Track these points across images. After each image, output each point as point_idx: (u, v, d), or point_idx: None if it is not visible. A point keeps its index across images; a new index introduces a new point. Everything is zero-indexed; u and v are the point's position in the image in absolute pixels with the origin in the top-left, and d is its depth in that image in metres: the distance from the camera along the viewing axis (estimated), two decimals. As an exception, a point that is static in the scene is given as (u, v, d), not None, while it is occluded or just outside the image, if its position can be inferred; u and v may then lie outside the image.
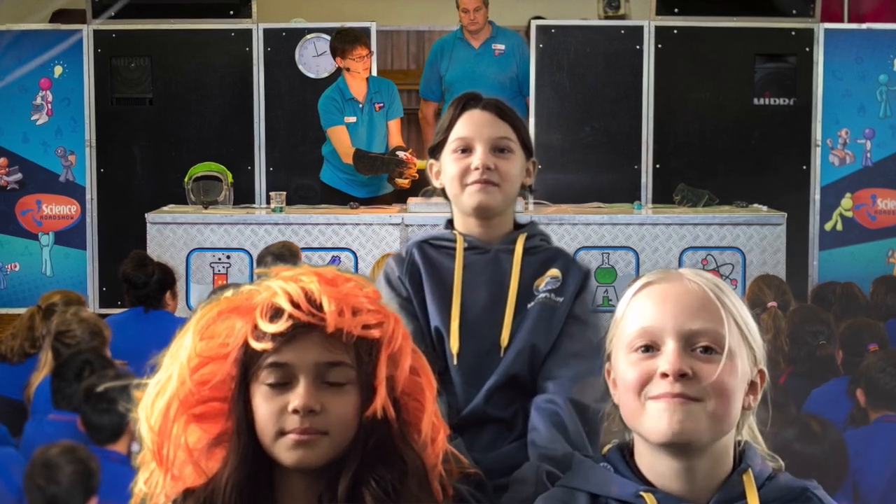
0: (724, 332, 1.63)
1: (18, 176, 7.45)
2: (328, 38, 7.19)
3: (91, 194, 7.46)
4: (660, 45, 7.35)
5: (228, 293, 1.67)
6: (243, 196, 7.18)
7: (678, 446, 1.62)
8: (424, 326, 2.39)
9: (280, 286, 1.63)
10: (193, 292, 6.38)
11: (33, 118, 7.44)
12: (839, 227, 7.37)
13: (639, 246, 6.43)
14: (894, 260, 7.34)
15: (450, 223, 2.50)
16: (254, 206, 7.13)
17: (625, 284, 2.22)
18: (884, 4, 7.94)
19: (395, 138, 6.91)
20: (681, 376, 1.60)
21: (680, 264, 6.32)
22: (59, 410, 3.91)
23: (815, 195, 7.36)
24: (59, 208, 7.47)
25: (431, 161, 2.50)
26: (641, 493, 1.64)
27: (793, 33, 7.34)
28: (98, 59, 7.40)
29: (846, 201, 7.37)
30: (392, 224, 6.42)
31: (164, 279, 5.09)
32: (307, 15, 7.91)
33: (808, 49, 7.33)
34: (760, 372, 1.69)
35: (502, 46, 7.42)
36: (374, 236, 6.41)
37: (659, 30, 7.36)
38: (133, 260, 5.15)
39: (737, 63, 7.35)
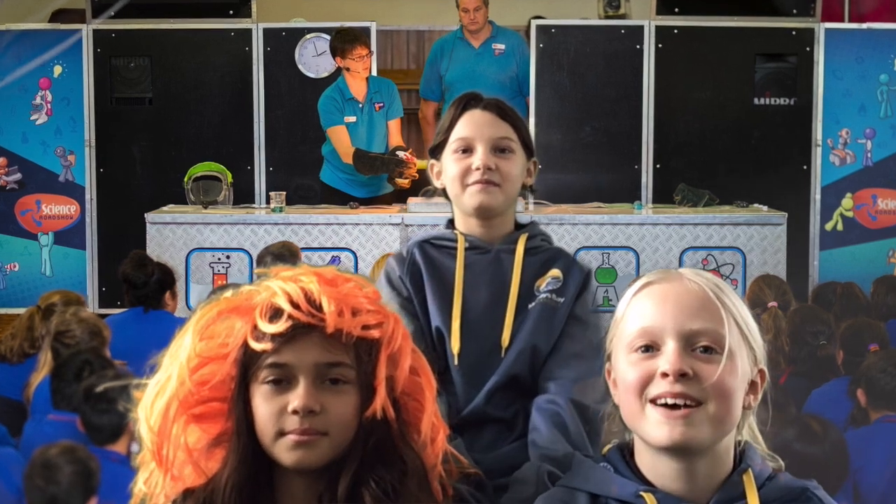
0: (724, 332, 1.63)
1: (18, 176, 7.45)
2: (328, 37, 7.18)
3: (90, 194, 7.45)
4: (660, 45, 7.34)
5: (228, 293, 1.66)
6: (243, 196, 7.18)
7: (679, 449, 1.62)
8: (425, 326, 2.39)
9: (280, 286, 1.63)
10: (193, 292, 6.38)
11: (33, 118, 7.44)
12: (840, 226, 7.36)
13: (639, 246, 6.43)
14: (895, 260, 7.34)
15: (451, 223, 2.50)
16: (253, 206, 7.12)
17: (625, 284, 2.21)
18: (884, 4, 7.95)
19: (395, 138, 6.90)
20: (681, 376, 1.60)
21: (680, 264, 6.31)
22: (59, 411, 3.91)
23: (816, 195, 7.36)
24: (59, 208, 7.47)
25: (432, 161, 2.50)
26: (641, 493, 1.64)
27: (793, 33, 7.34)
28: (97, 58, 7.40)
29: (847, 201, 7.37)
30: (392, 224, 6.41)
31: (163, 279, 5.09)
32: (307, 14, 7.91)
33: (808, 49, 7.32)
34: (761, 371, 1.69)
35: (502, 46, 7.42)
36: (374, 236, 6.41)
37: (659, 29, 7.35)
38: (132, 260, 5.14)
39: (737, 63, 7.35)
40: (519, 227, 2.49)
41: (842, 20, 7.68)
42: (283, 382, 1.62)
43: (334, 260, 6.38)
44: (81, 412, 3.67)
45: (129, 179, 7.45)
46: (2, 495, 3.49)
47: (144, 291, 5.03)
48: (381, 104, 6.89)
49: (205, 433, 1.67)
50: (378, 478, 1.62)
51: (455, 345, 2.36)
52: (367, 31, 7.23)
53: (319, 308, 1.61)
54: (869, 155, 7.39)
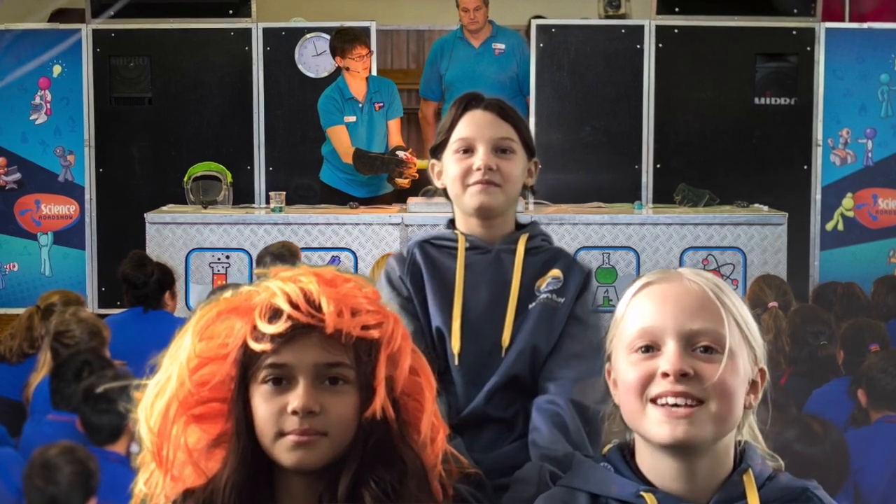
0: (724, 332, 1.63)
1: (17, 176, 7.45)
2: (328, 37, 7.18)
3: (90, 194, 7.45)
4: (660, 45, 7.34)
5: (227, 294, 1.66)
6: (243, 196, 7.17)
7: (681, 447, 1.62)
8: (425, 326, 2.39)
9: (279, 287, 1.62)
10: (193, 292, 6.37)
11: (32, 118, 7.43)
12: (840, 226, 7.36)
13: (639, 246, 6.42)
14: None
15: (451, 223, 2.50)
16: (253, 205, 7.12)
17: (625, 284, 2.21)
18: (885, 4, 7.94)
19: (395, 138, 6.90)
20: (682, 376, 1.60)
21: (681, 264, 6.31)
22: (58, 411, 3.91)
23: (816, 195, 7.36)
24: (58, 208, 7.46)
25: (433, 161, 2.49)
26: (642, 493, 1.64)
27: (794, 33, 7.34)
28: (97, 58, 7.40)
29: (847, 201, 7.37)
30: (392, 224, 6.41)
31: (163, 279, 5.09)
32: (307, 14, 7.91)
33: (809, 48, 7.32)
34: (761, 371, 1.69)
35: (502, 46, 7.41)
36: (374, 236, 6.40)
37: (659, 29, 7.35)
38: (132, 260, 5.14)
39: (738, 62, 7.34)
40: (519, 228, 2.49)
41: (842, 20, 7.68)
42: (282, 383, 1.62)
43: (334, 260, 6.37)
44: (81, 412, 3.67)
45: (128, 179, 7.45)
46: (1, 495, 3.49)
47: (144, 291, 5.02)
48: (381, 104, 6.88)
49: (205, 434, 1.67)
50: (378, 478, 1.62)
51: (455, 345, 2.36)
52: (366, 30, 7.23)
53: (319, 308, 1.60)
54: (869, 155, 7.38)
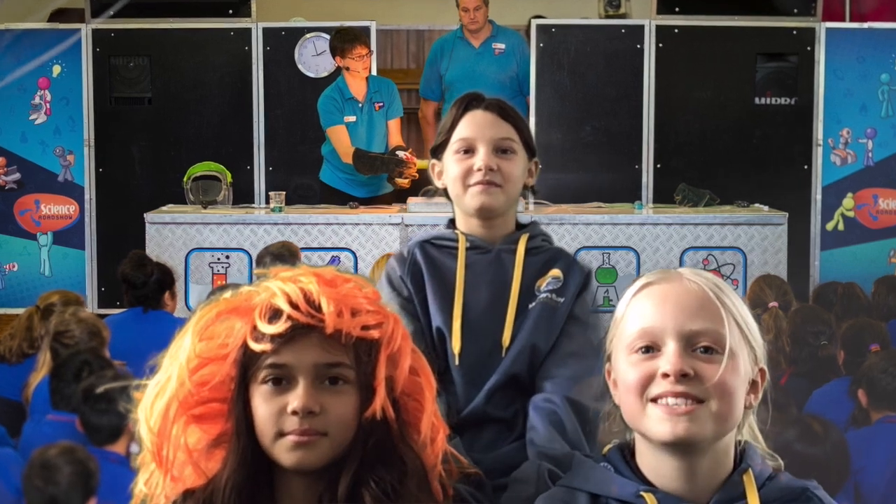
0: (724, 332, 1.63)
1: (17, 176, 7.45)
2: (328, 37, 7.18)
3: (90, 194, 7.45)
4: (661, 45, 7.34)
5: (227, 294, 1.66)
6: (242, 196, 7.17)
7: (681, 446, 1.62)
8: (426, 326, 2.39)
9: (279, 287, 1.62)
10: (192, 292, 6.37)
11: (32, 118, 7.43)
12: (840, 226, 7.36)
13: (639, 246, 6.42)
14: None
15: (451, 223, 2.50)
16: (253, 205, 7.12)
17: (625, 284, 2.21)
18: (885, 4, 7.94)
19: (395, 138, 6.90)
20: (682, 376, 1.60)
21: (681, 264, 6.31)
22: (58, 411, 3.91)
23: (817, 195, 7.36)
24: (58, 208, 7.46)
25: (433, 161, 2.49)
26: (642, 492, 1.64)
27: (794, 32, 7.34)
28: (97, 58, 7.40)
29: (848, 201, 7.37)
30: (392, 224, 6.41)
31: (162, 279, 5.09)
32: (307, 14, 7.91)
33: (809, 48, 7.32)
34: (761, 370, 1.69)
35: (502, 45, 7.41)
36: (374, 236, 6.40)
37: (660, 29, 7.35)
38: (132, 260, 5.14)
39: (738, 62, 7.34)
40: (520, 228, 2.49)
41: (843, 20, 7.68)
42: (282, 383, 1.62)
43: (334, 260, 6.37)
44: (80, 412, 3.67)
45: (128, 179, 7.45)
46: (1, 496, 3.48)
47: (144, 291, 5.02)
48: (381, 104, 6.88)
49: (205, 434, 1.67)
50: (378, 478, 1.62)
51: (456, 345, 2.36)
52: (366, 30, 7.23)
53: (319, 309, 1.60)
54: (870, 155, 7.38)
